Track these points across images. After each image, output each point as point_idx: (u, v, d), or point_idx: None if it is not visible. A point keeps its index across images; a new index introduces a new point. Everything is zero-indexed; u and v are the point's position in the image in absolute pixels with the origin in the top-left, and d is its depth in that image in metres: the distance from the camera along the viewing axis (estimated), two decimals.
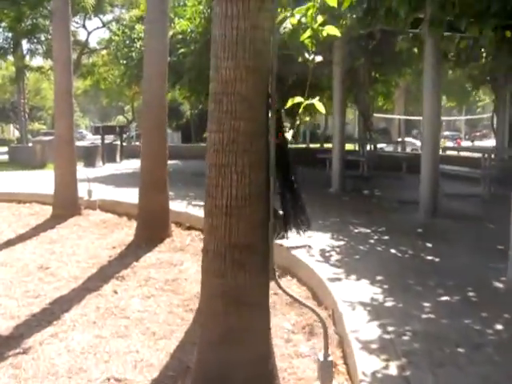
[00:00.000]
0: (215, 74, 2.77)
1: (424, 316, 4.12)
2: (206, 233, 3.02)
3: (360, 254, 6.01)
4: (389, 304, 4.41)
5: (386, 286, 4.85)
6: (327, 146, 21.95)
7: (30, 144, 38.97)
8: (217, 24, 2.76)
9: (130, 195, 10.26)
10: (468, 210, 9.29)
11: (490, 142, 30.84)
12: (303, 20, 2.81)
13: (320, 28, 2.76)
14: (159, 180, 7.37)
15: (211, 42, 2.82)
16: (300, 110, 2.73)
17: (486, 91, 27.06)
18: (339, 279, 5.04)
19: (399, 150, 21.48)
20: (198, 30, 12.18)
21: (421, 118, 9.89)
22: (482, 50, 10.09)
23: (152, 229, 7.38)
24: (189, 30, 12.39)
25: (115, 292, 5.46)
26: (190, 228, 8.07)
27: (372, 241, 6.66)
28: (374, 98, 17.04)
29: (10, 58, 30.16)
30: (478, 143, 40.97)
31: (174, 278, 5.87)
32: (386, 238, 6.84)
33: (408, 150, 29.02)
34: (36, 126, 57.25)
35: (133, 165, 18.19)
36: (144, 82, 7.33)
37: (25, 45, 27.96)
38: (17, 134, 57.95)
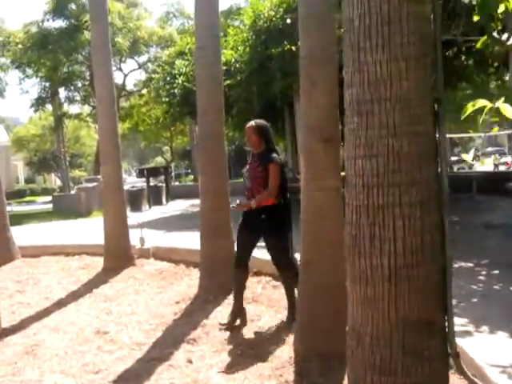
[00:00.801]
0: (355, 74, 1.91)
1: None
2: (354, 306, 2.11)
3: (476, 296, 5.03)
4: None
5: None
6: None
7: (73, 191, 39.12)
8: (353, 1, 1.91)
9: (184, 240, 9.50)
10: None
11: None
12: None
13: None
14: (222, 222, 6.54)
15: (345, 30, 1.96)
16: (482, 118, 1.84)
17: None
18: (469, 333, 4.08)
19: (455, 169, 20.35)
20: (243, 59, 11.50)
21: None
22: None
23: (218, 278, 6.50)
24: (233, 60, 11.71)
25: (189, 361, 4.57)
26: (257, 274, 7.16)
27: (481, 277, 5.67)
28: None
29: (49, 107, 30.25)
30: None
31: (255, 338, 4.97)
32: (496, 272, 5.83)
33: (455, 169, 27.80)
34: (77, 173, 57.67)
35: (179, 206, 17.59)
36: (199, 115, 6.57)
37: (62, 93, 28.01)
38: (58, 182, 58.60)
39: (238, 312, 5.38)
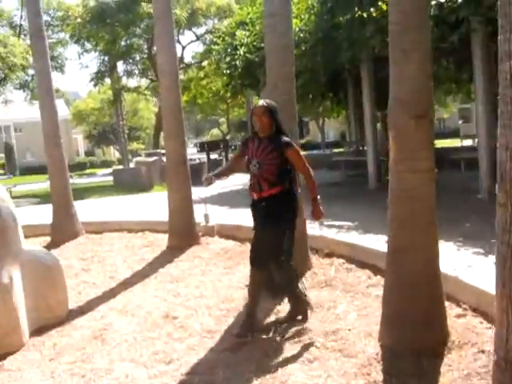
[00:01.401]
0: None
1: None
2: (508, 331, 1.70)
3: None
4: None
5: None
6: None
7: (132, 164, 39.55)
8: None
9: (248, 217, 9.18)
10: None
11: None
12: None
13: None
14: None
15: None
16: None
17: None
18: None
19: None
20: (308, 28, 10.98)
21: None
22: None
23: None
24: (297, 29, 11.20)
25: (265, 354, 4.28)
26: (329, 255, 6.80)
27: None
28: None
29: (107, 80, 30.40)
30: None
31: (334, 329, 4.62)
32: None
33: None
34: (135, 145, 58.44)
35: (239, 180, 17.25)
36: (268, 87, 6.19)
37: (120, 66, 28.07)
38: (117, 155, 59.55)
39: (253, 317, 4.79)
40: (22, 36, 25.22)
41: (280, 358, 4.17)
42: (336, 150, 30.96)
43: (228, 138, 42.25)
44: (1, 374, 4.58)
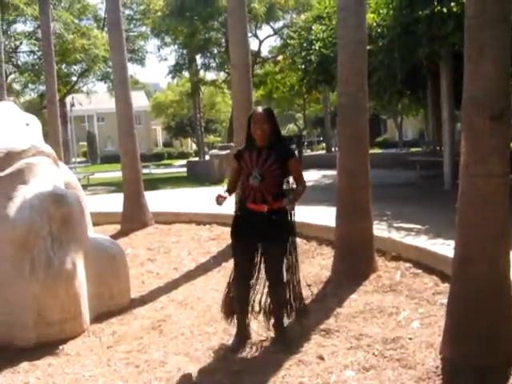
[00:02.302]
0: None
1: None
2: None
3: None
4: None
5: None
6: None
7: (207, 157, 40.05)
8: None
9: (317, 214, 9.04)
10: None
11: None
12: None
13: None
14: (361, 202, 6.00)
15: None
16: None
17: None
18: None
19: None
20: (385, 22, 10.67)
21: None
22: None
23: (354, 262, 6.01)
24: (374, 24, 10.91)
25: (321, 358, 4.14)
26: (396, 258, 6.54)
27: None
28: None
29: (186, 73, 30.86)
30: None
31: (394, 336, 4.42)
32: None
33: None
34: (211, 138, 59.25)
35: (312, 176, 17.11)
36: (339, 83, 6.02)
37: (198, 60, 28.39)
38: (194, 147, 60.56)
39: (244, 335, 4.62)
40: (106, 29, 26.02)
41: (335, 363, 4.03)
42: (413, 150, 30.21)
43: (303, 133, 42.02)
44: (60, 358, 4.70)
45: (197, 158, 39.36)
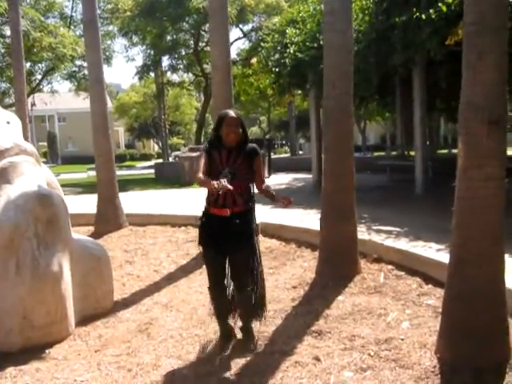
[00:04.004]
0: None
1: None
2: None
3: None
4: None
5: None
6: None
7: (171, 158, 39.83)
8: None
9: (294, 217, 9.09)
10: None
11: None
12: None
13: None
14: (346, 204, 6.05)
15: None
16: None
17: None
18: None
19: None
20: (361, 28, 10.79)
21: None
22: None
23: (338, 264, 6.06)
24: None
25: (317, 359, 4.15)
26: (377, 260, 6.63)
27: None
28: None
29: (152, 74, 30.60)
30: None
31: (387, 336, 4.46)
32: None
33: None
34: (175, 140, 58.90)
35: (282, 179, 17.20)
36: (326, 87, 6.05)
37: (165, 61, 28.20)
38: (156, 148, 60.09)
39: (228, 336, 4.65)
40: (72, 27, 25.61)
41: (332, 364, 4.04)
42: (377, 154, 30.64)
43: (267, 136, 42.18)
44: (48, 363, 4.58)
45: (160, 160, 39.12)
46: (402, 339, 4.41)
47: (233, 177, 4.15)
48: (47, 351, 4.79)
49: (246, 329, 4.63)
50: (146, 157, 57.77)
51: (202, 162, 4.27)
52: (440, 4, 8.24)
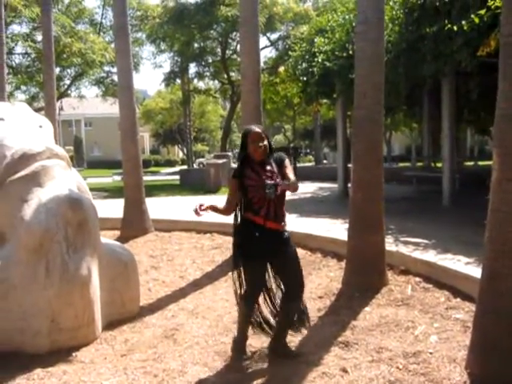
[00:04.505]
0: None
1: None
2: None
3: None
4: None
5: None
6: None
7: (195, 164, 40.02)
8: None
9: (320, 226, 9.06)
10: None
11: None
12: None
13: None
14: (375, 215, 6.00)
15: None
16: None
17: None
18: None
19: None
20: (391, 38, 10.73)
21: None
22: None
23: (365, 275, 6.01)
24: None
25: (344, 371, 4.11)
26: (405, 272, 6.56)
27: None
28: None
29: (178, 81, 30.79)
30: None
31: (415, 350, 4.40)
32: None
33: None
34: (199, 147, 59.13)
35: (307, 188, 17.14)
36: (357, 96, 6.02)
37: (192, 68, 28.37)
38: (181, 155, 60.38)
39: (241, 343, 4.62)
40: (102, 33, 25.93)
41: (359, 376, 4.00)
42: (402, 164, 30.40)
43: (291, 145, 42.12)
44: (74, 366, 4.61)
45: (184, 166, 39.34)
46: (431, 353, 4.35)
47: (276, 190, 4.06)
48: (74, 354, 4.82)
49: (281, 338, 4.54)
50: (170, 163, 58.10)
51: (229, 191, 4.44)
52: (473, 16, 8.15)
